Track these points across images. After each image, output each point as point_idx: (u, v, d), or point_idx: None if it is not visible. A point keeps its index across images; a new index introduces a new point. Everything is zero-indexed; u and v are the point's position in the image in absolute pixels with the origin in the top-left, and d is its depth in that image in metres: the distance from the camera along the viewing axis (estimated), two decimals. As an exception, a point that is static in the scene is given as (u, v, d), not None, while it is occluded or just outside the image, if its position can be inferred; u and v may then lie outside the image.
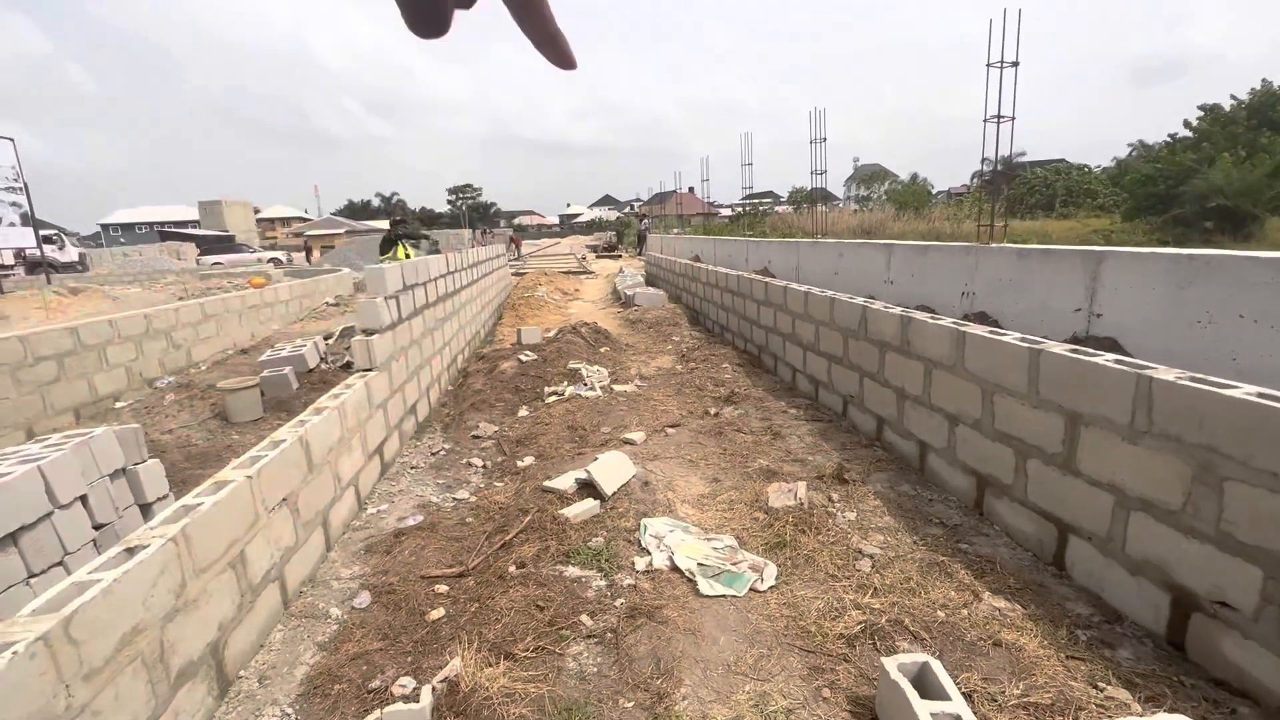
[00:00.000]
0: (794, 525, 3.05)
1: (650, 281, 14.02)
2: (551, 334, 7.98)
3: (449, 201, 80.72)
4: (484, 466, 4.29)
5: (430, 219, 69.06)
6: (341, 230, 45.70)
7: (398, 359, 4.61)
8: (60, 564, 2.90)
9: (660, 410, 5.11)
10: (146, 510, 3.56)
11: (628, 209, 75.51)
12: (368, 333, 4.24)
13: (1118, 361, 2.42)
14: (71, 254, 22.96)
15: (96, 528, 3.17)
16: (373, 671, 2.23)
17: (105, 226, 58.23)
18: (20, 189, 12.08)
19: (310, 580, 2.88)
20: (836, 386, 4.79)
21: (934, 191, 40.98)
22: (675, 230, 31.70)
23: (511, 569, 2.82)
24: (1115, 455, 2.35)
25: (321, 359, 7.05)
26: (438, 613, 2.55)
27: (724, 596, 2.59)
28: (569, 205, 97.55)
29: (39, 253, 14.02)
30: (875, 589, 2.56)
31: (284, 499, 2.69)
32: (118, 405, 6.11)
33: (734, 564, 2.78)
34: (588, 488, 3.50)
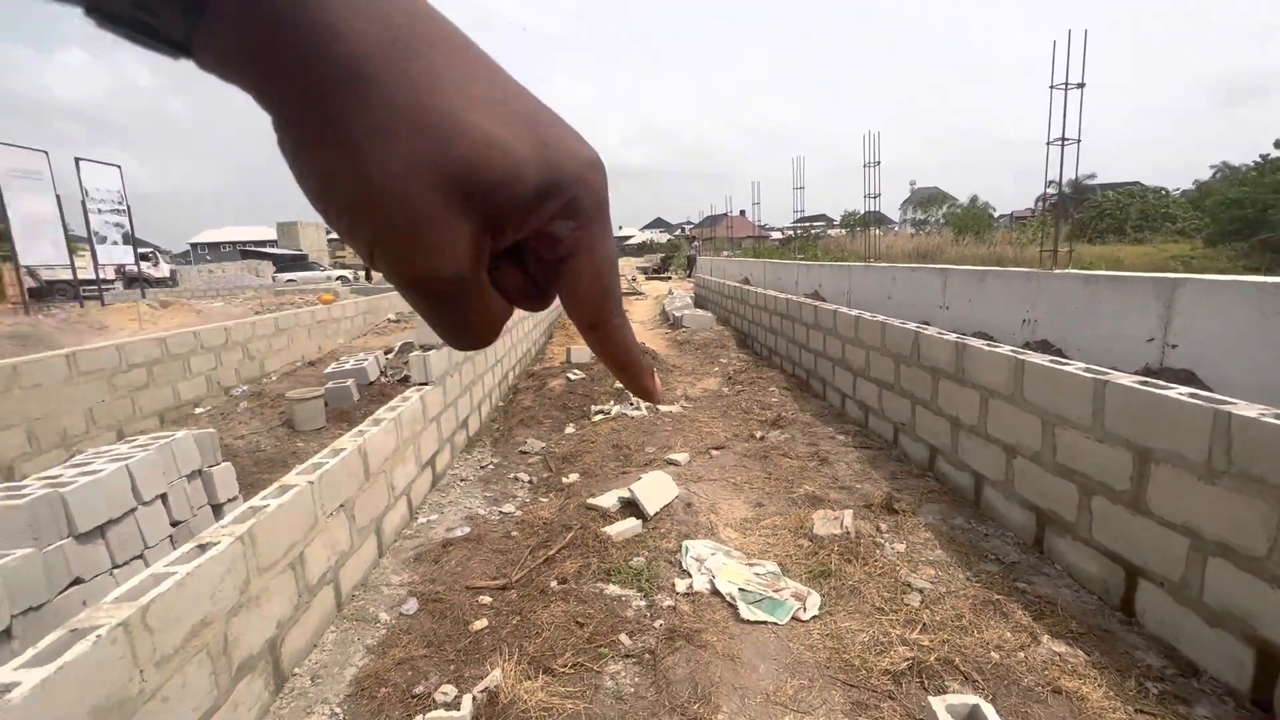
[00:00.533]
0: (839, 554, 2.97)
1: (699, 303, 14.03)
2: (599, 353, 8.08)
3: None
4: (530, 482, 4.37)
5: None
6: (404, 250, 47.45)
7: (452, 375, 4.78)
8: (140, 557, 3.12)
9: (705, 432, 5.10)
10: (218, 510, 3.80)
11: (678, 231, 76.03)
12: (425, 349, 4.42)
13: (1192, 395, 2.28)
14: (164, 270, 24.94)
15: (173, 524, 3.40)
16: (417, 677, 2.30)
17: (194, 245, 62.92)
18: (124, 210, 13.26)
19: (362, 584, 3.00)
20: (887, 413, 4.66)
21: (996, 215, 39.59)
22: (725, 253, 31.70)
23: (553, 584, 2.86)
24: (1190, 495, 2.20)
25: (381, 372, 7.39)
26: (480, 623, 2.61)
27: (765, 623, 2.55)
28: (621, 227, 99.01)
29: (136, 269, 15.28)
30: (924, 625, 2.46)
31: (342, 505, 2.82)
32: (197, 411, 6.56)
33: (776, 591, 2.73)
34: (630, 507, 3.51)
